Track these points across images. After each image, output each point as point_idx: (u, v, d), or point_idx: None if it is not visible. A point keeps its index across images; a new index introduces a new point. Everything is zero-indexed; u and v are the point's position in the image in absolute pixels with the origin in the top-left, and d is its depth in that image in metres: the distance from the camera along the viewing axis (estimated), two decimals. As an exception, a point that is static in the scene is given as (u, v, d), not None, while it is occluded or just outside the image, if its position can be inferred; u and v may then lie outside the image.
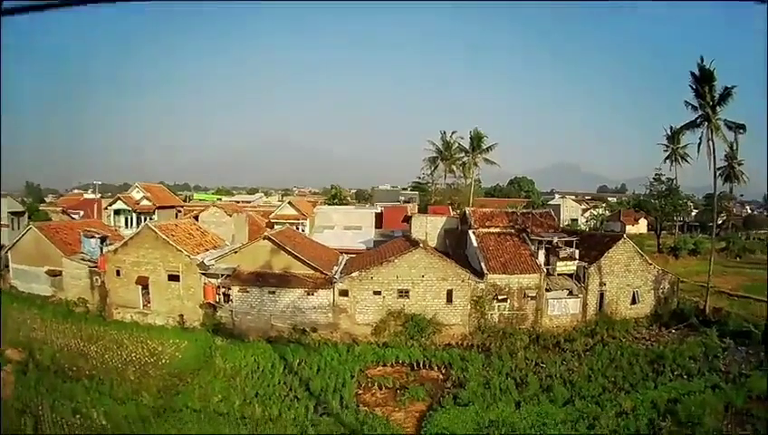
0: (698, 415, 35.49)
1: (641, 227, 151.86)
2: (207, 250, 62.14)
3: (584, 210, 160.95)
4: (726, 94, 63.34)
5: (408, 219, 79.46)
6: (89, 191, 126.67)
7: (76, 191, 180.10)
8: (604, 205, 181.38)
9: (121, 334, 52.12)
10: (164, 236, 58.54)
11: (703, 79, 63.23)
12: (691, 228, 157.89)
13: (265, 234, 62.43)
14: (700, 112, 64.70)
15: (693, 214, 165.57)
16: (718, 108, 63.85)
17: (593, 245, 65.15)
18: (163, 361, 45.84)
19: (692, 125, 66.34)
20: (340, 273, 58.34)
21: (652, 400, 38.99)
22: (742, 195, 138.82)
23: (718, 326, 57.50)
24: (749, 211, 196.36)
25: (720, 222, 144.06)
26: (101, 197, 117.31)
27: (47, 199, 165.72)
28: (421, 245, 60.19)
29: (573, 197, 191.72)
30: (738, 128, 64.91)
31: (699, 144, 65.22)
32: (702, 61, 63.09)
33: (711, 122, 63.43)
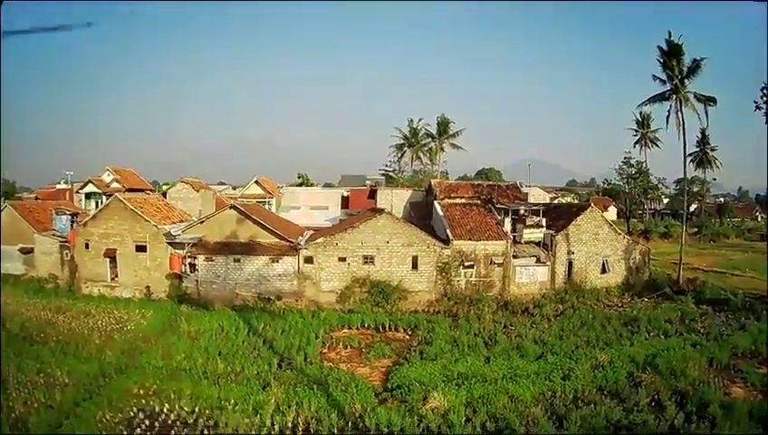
0: (681, 368, 35.14)
1: (611, 214, 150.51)
2: (174, 223, 61.50)
3: (552, 198, 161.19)
4: (695, 67, 63.94)
5: (373, 193, 79.27)
6: (61, 182, 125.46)
7: (48, 186, 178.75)
8: (573, 194, 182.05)
9: (89, 306, 51.69)
10: (132, 208, 58.27)
11: (671, 52, 63.83)
12: (663, 216, 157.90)
13: (231, 203, 62.17)
14: (669, 86, 65.02)
15: (665, 202, 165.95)
16: (687, 80, 64.51)
17: (560, 214, 65.54)
18: (128, 327, 45.37)
19: (660, 97, 66.96)
20: (306, 241, 57.89)
21: (629, 355, 38.67)
22: (715, 179, 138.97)
23: (694, 295, 57.77)
24: (722, 202, 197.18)
25: (692, 209, 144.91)
26: (73, 185, 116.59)
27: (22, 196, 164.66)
28: (386, 211, 59.94)
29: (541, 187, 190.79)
30: (708, 100, 65.15)
31: (668, 116, 65.86)
32: (670, 36, 63.48)
33: (680, 93, 63.77)
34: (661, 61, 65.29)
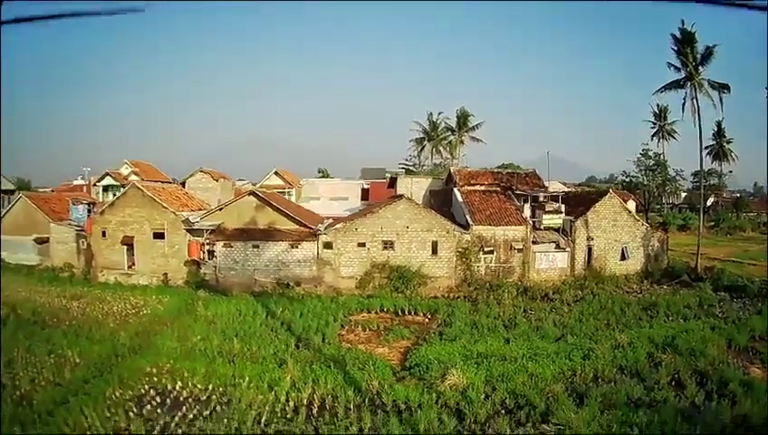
0: (700, 349, 34.73)
1: (630, 207, 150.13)
2: (193, 212, 61.46)
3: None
4: (708, 54, 64.59)
5: (393, 182, 79.00)
6: (78, 178, 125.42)
7: (65, 183, 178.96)
8: (592, 189, 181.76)
9: (105, 293, 51.71)
10: (150, 194, 58.54)
11: (684, 40, 64.39)
12: (681, 210, 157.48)
13: (250, 189, 62.15)
14: (683, 73, 65.54)
15: (682, 196, 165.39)
16: (701, 67, 65.22)
17: (580, 201, 65.74)
18: (144, 312, 45.24)
19: (675, 85, 67.67)
20: (325, 228, 57.73)
21: (649, 336, 38.38)
22: (731, 171, 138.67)
23: (712, 282, 57.63)
24: (738, 196, 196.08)
25: (710, 203, 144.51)
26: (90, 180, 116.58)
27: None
28: (405, 197, 59.72)
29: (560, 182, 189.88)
30: (722, 87, 65.73)
31: (683, 103, 66.68)
32: (683, 24, 63.70)
33: (694, 80, 64.53)
34: (675, 48, 65.80)
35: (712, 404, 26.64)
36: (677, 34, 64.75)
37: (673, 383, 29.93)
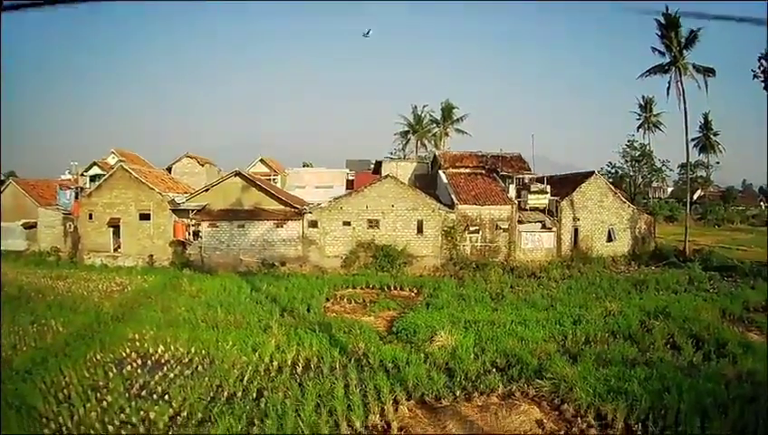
0: (694, 316, 34.38)
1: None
2: (179, 195, 61.17)
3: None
4: (693, 37, 65.15)
5: (378, 166, 78.89)
6: (66, 172, 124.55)
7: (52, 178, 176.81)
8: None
9: (90, 274, 51.44)
10: (137, 176, 58.63)
11: (668, 25, 64.74)
12: (668, 203, 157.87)
13: (236, 169, 61.81)
14: (668, 58, 66.11)
15: (668, 191, 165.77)
16: (685, 51, 65.84)
17: (565, 183, 65.46)
18: (129, 289, 44.93)
19: (660, 69, 68.21)
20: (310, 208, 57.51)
21: (639, 306, 37.98)
22: (718, 162, 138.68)
23: (701, 262, 57.53)
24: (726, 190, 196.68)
25: (697, 196, 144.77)
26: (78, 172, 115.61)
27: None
28: (390, 176, 59.66)
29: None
30: (707, 71, 66.29)
31: (668, 88, 67.60)
32: (667, 9, 63.82)
33: (679, 63, 65.43)
34: (659, 33, 66.26)
35: (711, 364, 26.20)
36: (661, 19, 64.80)
37: (668, 346, 29.51)
